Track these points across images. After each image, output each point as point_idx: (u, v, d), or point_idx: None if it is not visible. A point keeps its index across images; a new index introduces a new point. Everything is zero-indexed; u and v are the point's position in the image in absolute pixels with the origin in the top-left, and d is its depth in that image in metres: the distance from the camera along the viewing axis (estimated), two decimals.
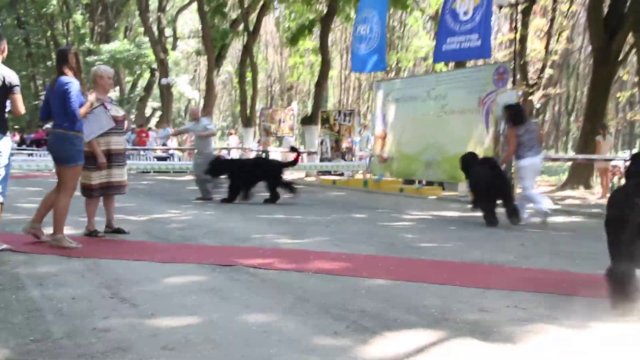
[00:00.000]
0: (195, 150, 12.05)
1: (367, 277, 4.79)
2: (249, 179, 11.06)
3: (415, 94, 15.01)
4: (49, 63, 40.55)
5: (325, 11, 23.58)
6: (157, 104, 41.85)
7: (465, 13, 13.68)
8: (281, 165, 11.85)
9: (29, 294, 4.11)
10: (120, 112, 6.81)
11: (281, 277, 4.76)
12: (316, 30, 25.91)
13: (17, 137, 28.68)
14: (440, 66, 22.65)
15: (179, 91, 37.78)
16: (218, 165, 11.06)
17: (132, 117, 38.74)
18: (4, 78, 5.41)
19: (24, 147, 26.61)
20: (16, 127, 36.94)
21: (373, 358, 3.00)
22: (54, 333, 3.28)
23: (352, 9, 21.58)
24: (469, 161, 9.20)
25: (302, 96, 44.43)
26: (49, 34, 40.67)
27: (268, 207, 10.25)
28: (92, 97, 6.11)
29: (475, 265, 5.47)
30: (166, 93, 31.19)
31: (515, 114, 8.93)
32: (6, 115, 5.61)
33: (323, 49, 22.74)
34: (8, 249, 5.59)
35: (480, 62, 19.65)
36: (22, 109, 5.59)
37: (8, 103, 5.55)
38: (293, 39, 26.30)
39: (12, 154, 5.85)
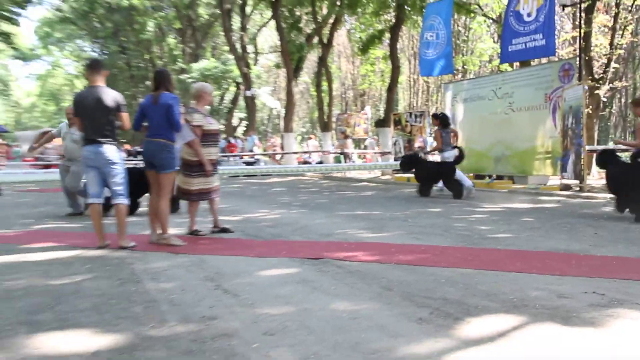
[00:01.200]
0: (66, 157, 9.36)
1: (447, 267, 4.73)
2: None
3: (482, 94, 14.73)
4: (147, 83, 42.13)
5: (393, 21, 23.42)
6: (242, 114, 42.71)
7: (529, 14, 13.34)
8: None
9: (145, 286, 4.28)
10: (216, 126, 6.99)
11: (366, 268, 4.77)
12: (385, 38, 25.78)
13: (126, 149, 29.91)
14: (505, 66, 22.08)
15: (261, 102, 38.37)
16: None
17: (222, 127, 39.68)
18: (115, 99, 5.79)
19: (131, 158, 27.74)
20: (122, 140, 38.62)
21: (458, 342, 2.96)
22: (169, 321, 3.41)
23: (419, 16, 21.33)
24: (408, 160, 11.88)
25: (374, 101, 44.27)
26: (146, 57, 42.27)
27: (348, 205, 10.25)
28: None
29: (550, 253, 5.30)
30: (250, 104, 31.76)
31: (443, 121, 11.69)
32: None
33: (393, 56, 22.59)
34: (134, 246, 5.90)
35: (544, 60, 19.02)
36: (129, 125, 5.96)
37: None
38: (364, 49, 26.28)
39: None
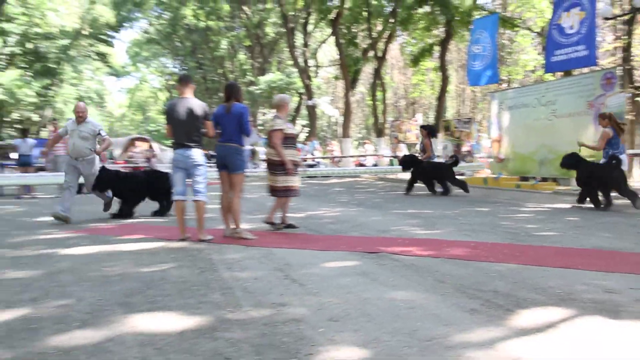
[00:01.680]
0: (71, 156, 8.21)
1: (496, 262, 4.60)
2: (138, 193, 8.71)
3: (526, 102, 14.31)
4: (220, 94, 42.97)
5: (443, 36, 23.07)
6: (304, 122, 42.97)
7: (571, 27, 12.91)
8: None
9: (222, 275, 4.35)
10: (294, 130, 7.02)
11: (420, 262, 4.70)
12: (434, 51, 25.43)
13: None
14: (547, 76, 21.39)
15: (321, 110, 38.46)
16: (107, 179, 8.38)
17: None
18: (203, 108, 6.00)
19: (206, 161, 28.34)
20: None
21: (509, 332, 2.88)
22: (243, 306, 3.46)
23: (466, 31, 20.94)
24: (410, 160, 12.22)
25: (425, 108, 43.64)
26: (220, 71, 43.14)
27: (401, 204, 10.13)
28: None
29: (595, 251, 5.09)
30: (311, 112, 31.89)
31: (432, 131, 12.62)
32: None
33: (442, 67, 22.29)
34: (211, 239, 6.01)
35: (585, 70, 18.33)
36: (213, 132, 6.10)
37: None
38: (415, 61, 25.98)
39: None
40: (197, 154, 6.00)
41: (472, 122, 17.88)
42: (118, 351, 2.72)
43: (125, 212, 8.54)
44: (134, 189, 8.64)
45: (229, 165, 6.22)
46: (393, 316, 3.19)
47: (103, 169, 8.46)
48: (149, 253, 5.37)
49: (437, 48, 24.47)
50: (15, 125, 37.27)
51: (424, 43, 25.40)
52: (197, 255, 5.20)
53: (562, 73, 16.52)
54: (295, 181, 6.79)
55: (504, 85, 30.36)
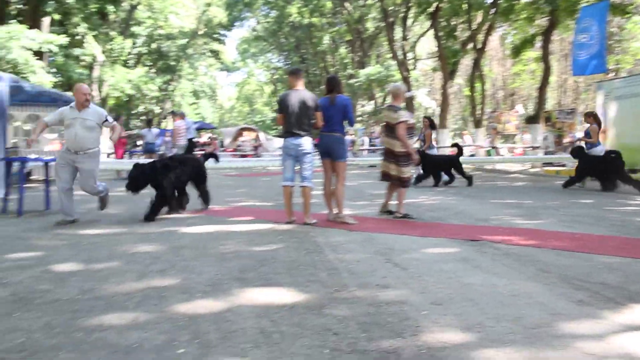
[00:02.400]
0: (71, 149, 6.36)
1: (602, 254, 4.30)
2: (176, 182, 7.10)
3: (637, 91, 13.16)
4: (321, 87, 43.43)
5: (546, 25, 21.75)
6: None
7: None
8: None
9: (327, 256, 4.41)
10: (412, 120, 6.93)
11: (522, 251, 4.50)
12: (536, 41, 24.04)
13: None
14: None
15: (419, 102, 37.75)
16: (141, 177, 6.73)
17: (383, 123, 39.58)
18: (314, 100, 6.09)
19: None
20: None
21: (620, 326, 2.69)
22: (349, 286, 3.50)
23: (571, 20, 19.57)
24: (421, 155, 11.13)
25: (523, 99, 41.52)
26: (321, 65, 43.61)
27: (500, 194, 9.72)
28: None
29: None
30: (409, 103, 31.39)
31: (432, 123, 12.62)
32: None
33: (545, 58, 21.03)
34: (315, 223, 6.11)
35: None
36: (321, 122, 6.15)
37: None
38: (516, 52, 24.71)
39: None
40: (307, 143, 6.09)
41: (575, 113, 16.74)
42: (236, 321, 2.86)
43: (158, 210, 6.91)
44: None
45: (332, 153, 6.28)
46: (496, 302, 3.09)
47: (136, 165, 6.95)
48: (260, 234, 5.57)
49: (539, 38, 23.10)
50: (141, 117, 40.07)
51: (526, 33, 24.07)
52: (303, 238, 5.32)
53: None
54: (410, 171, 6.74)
55: (611, 75, 28.15)
